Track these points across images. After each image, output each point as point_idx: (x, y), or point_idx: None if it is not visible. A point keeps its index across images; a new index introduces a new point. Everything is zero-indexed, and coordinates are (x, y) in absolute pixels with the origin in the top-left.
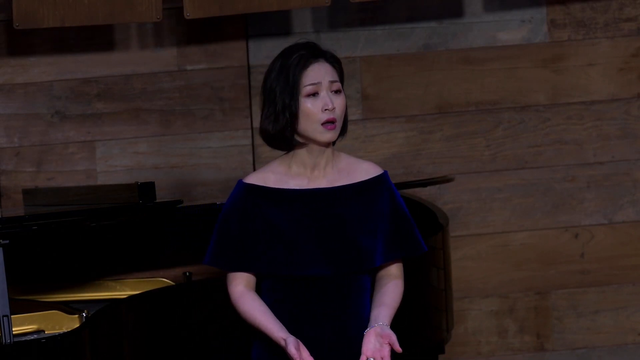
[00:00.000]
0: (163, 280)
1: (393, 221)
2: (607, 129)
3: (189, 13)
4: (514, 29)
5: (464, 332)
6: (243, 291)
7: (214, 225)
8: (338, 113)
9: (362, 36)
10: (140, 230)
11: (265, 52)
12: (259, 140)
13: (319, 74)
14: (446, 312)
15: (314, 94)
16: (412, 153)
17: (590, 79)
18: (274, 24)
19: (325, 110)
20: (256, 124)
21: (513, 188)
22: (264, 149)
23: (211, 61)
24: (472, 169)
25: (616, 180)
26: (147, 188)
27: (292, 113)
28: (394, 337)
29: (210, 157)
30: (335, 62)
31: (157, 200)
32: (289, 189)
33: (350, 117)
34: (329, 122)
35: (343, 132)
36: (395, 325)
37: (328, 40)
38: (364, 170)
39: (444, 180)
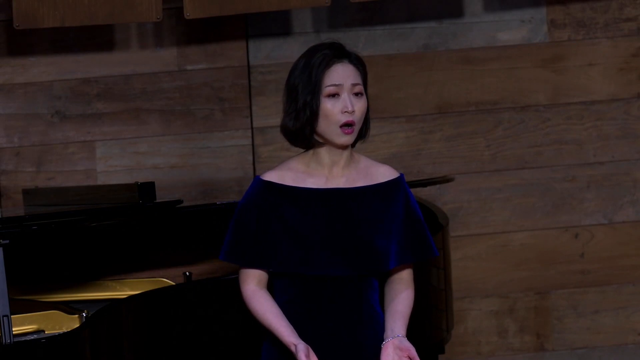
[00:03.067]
0: (163, 280)
1: (407, 225)
2: (607, 129)
3: (189, 13)
4: (514, 29)
5: (464, 332)
6: (255, 289)
7: (215, 225)
8: (358, 116)
9: (362, 36)
10: (140, 230)
11: (265, 52)
12: (259, 140)
13: (341, 75)
14: (446, 312)
15: (335, 95)
16: (412, 153)
17: (590, 79)
18: (274, 24)
19: (345, 112)
20: (256, 123)
21: (513, 188)
22: (264, 149)
23: (211, 61)
24: (472, 169)
25: (616, 180)
26: (147, 188)
27: (312, 111)
28: (413, 352)
29: (210, 157)
30: (359, 64)
31: (157, 200)
32: (306, 188)
33: None
34: (347, 125)
35: (364, 135)
36: None
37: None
38: (380, 173)
39: (444, 180)
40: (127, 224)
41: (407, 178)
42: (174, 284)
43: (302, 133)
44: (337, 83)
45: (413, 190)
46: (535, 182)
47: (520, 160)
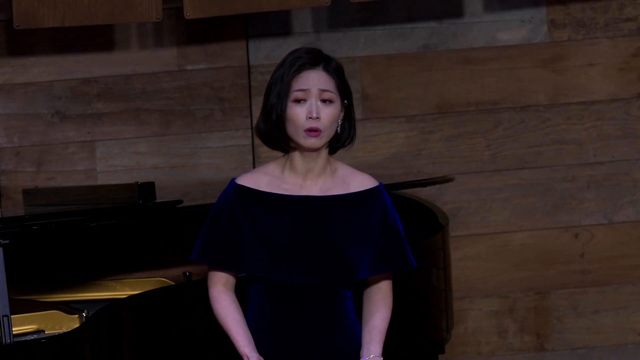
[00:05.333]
0: (163, 280)
1: (383, 235)
2: (607, 129)
3: (189, 13)
4: (514, 29)
5: (464, 332)
6: (221, 291)
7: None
8: (324, 123)
9: (362, 36)
10: (140, 230)
11: (265, 52)
12: (259, 140)
13: (309, 81)
14: (446, 312)
15: (302, 100)
16: (412, 153)
17: (590, 79)
18: (274, 24)
19: (309, 118)
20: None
21: (513, 188)
22: (264, 149)
23: (211, 61)
24: (472, 169)
25: (616, 180)
26: (147, 188)
27: (277, 115)
28: None
29: (210, 157)
30: (334, 72)
31: (157, 200)
32: (279, 194)
33: None
34: (312, 131)
35: (347, 142)
36: (395, 325)
37: (328, 40)
38: (358, 182)
39: (444, 180)
40: (127, 224)
41: (407, 178)
42: (174, 284)
43: (272, 135)
44: (303, 88)
45: (413, 191)
46: (535, 182)
47: (520, 160)
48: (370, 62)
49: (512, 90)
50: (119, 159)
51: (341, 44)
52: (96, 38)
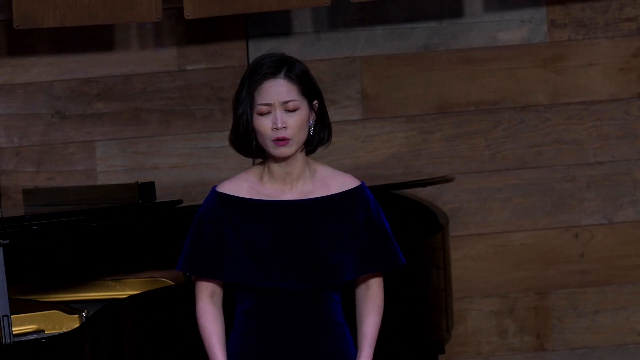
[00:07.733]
0: (163, 280)
1: (368, 234)
2: (607, 129)
3: (189, 13)
4: (514, 29)
5: (464, 332)
6: (206, 306)
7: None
8: (291, 131)
9: (362, 36)
10: (140, 230)
11: (265, 52)
12: None
13: (271, 94)
14: (446, 312)
15: (267, 113)
16: (412, 153)
17: (590, 79)
18: (274, 24)
19: (275, 129)
20: None
21: (513, 188)
22: None
23: (211, 61)
24: (472, 169)
25: (616, 180)
26: (147, 188)
27: (244, 127)
28: None
29: (210, 157)
30: (296, 78)
31: (157, 200)
32: (259, 200)
33: (350, 117)
34: (279, 140)
35: (323, 141)
36: (395, 324)
37: (328, 40)
38: (339, 183)
39: (444, 180)
40: (127, 224)
41: (407, 178)
42: (174, 284)
43: (244, 146)
44: (266, 102)
45: (413, 191)
46: (535, 182)
47: (520, 160)
48: (370, 62)
49: (512, 90)
50: (119, 159)
51: (341, 44)
52: (96, 38)
